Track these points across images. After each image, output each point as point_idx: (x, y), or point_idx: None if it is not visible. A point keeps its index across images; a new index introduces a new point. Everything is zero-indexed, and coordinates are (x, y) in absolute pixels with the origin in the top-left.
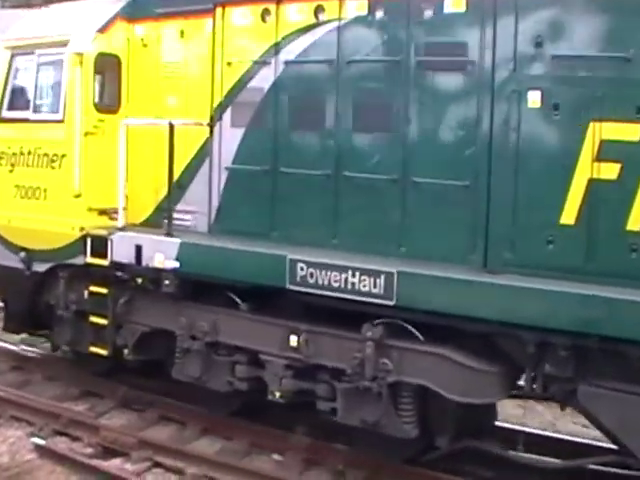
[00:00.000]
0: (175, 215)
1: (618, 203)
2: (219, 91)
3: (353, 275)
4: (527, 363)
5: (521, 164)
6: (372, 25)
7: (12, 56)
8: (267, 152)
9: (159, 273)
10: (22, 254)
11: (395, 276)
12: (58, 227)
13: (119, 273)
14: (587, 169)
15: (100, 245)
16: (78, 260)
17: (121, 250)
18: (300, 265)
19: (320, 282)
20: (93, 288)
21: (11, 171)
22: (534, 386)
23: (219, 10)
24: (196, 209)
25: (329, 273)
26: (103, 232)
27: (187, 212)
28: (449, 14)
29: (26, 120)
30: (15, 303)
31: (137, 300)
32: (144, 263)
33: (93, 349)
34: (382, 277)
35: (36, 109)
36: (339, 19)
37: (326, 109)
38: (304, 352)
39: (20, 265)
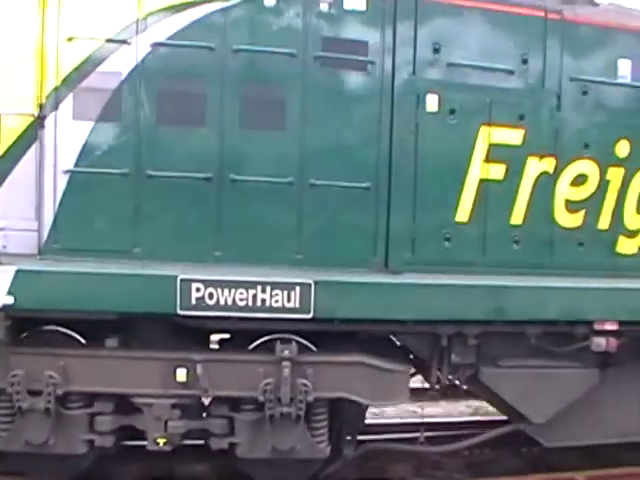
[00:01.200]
0: None
1: (504, 200)
2: (54, 73)
3: (263, 290)
4: (435, 357)
5: (419, 166)
6: (264, 10)
7: None
8: (128, 151)
9: None
10: None
11: (312, 287)
12: None
13: None
14: (478, 170)
15: None
16: None
17: None
18: (196, 285)
19: (222, 302)
20: None
21: None
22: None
23: None
24: (6, 225)
25: (233, 291)
26: None
27: None
28: (349, 10)
29: None
30: None
31: None
32: None
33: None
34: (297, 289)
35: None
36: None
37: (207, 102)
38: (198, 386)
39: None
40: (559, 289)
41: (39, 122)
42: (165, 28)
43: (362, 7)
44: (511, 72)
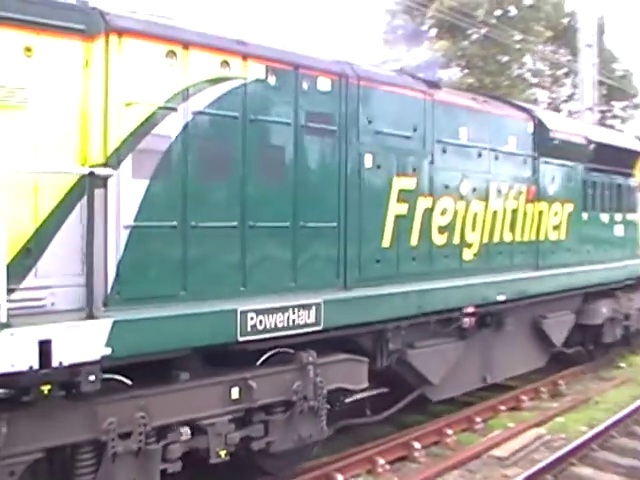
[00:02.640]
0: (19, 295)
1: (406, 229)
2: (115, 135)
3: (293, 312)
4: (377, 348)
5: (362, 209)
6: (269, 88)
7: None
8: (176, 206)
9: (76, 371)
10: None
11: (322, 305)
12: None
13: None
14: (394, 209)
15: None
16: None
17: (13, 355)
18: (250, 315)
19: (268, 326)
20: None
21: None
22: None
23: (114, 38)
24: (56, 282)
25: (274, 315)
26: None
27: (40, 288)
28: (322, 90)
29: None
30: None
31: (23, 423)
32: (55, 362)
33: None
34: (313, 308)
35: None
36: (244, 77)
37: (232, 162)
38: (247, 400)
39: None
40: (458, 287)
41: (103, 181)
42: (203, 98)
43: (328, 88)
44: (408, 137)
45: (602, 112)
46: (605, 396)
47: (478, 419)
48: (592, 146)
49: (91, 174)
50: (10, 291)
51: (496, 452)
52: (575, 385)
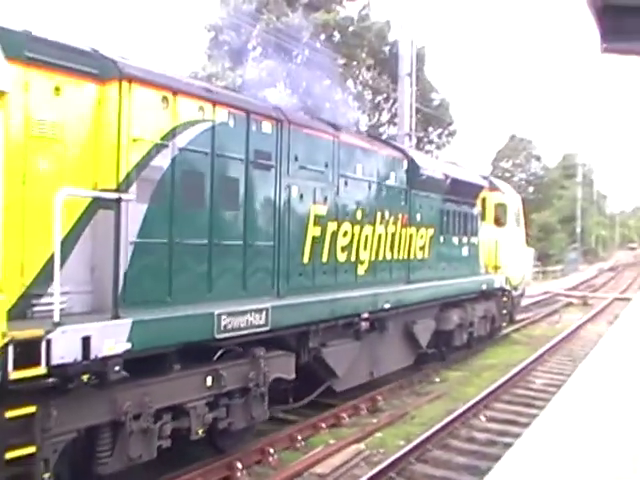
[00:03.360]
0: (46, 300)
1: (320, 248)
2: (125, 165)
3: (250, 315)
4: (300, 346)
5: (290, 230)
6: (229, 129)
7: None
8: (166, 225)
9: (106, 363)
10: None
11: (270, 310)
12: None
13: (51, 380)
14: (311, 231)
15: (28, 352)
16: None
17: (64, 349)
18: (223, 317)
19: (233, 326)
20: (11, 413)
21: None
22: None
23: (125, 84)
24: (72, 289)
25: (237, 317)
26: (37, 332)
27: (62, 294)
28: (265, 132)
29: None
30: None
31: (69, 407)
32: (92, 355)
33: None
34: (263, 312)
35: None
36: (213, 120)
37: (204, 191)
38: (217, 387)
39: None
40: (357, 297)
41: (117, 204)
42: (185, 137)
43: (269, 131)
44: (322, 172)
45: (419, 138)
46: (421, 411)
47: (300, 437)
48: (448, 181)
49: (119, 200)
50: (39, 296)
51: (318, 469)
52: (393, 401)
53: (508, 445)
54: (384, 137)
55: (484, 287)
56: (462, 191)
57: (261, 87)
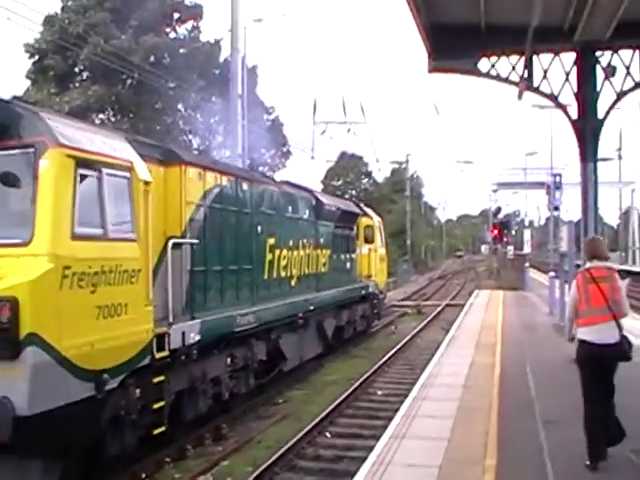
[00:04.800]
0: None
1: (272, 268)
2: (185, 219)
3: (247, 315)
4: (266, 338)
5: (258, 256)
6: (227, 189)
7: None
8: (202, 258)
9: (190, 348)
10: (106, 376)
11: (255, 312)
12: (138, 336)
13: (169, 359)
14: (267, 256)
15: (160, 341)
16: (146, 361)
17: (174, 339)
18: (237, 317)
19: (241, 323)
20: (156, 379)
21: (93, 292)
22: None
23: (183, 166)
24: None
25: (242, 317)
26: (164, 329)
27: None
28: (244, 189)
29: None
30: (78, 445)
31: (174, 377)
32: (187, 343)
33: (156, 431)
34: (253, 314)
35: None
36: (221, 184)
37: (220, 233)
38: (232, 364)
39: (87, 394)
40: (297, 301)
41: (180, 246)
42: (209, 198)
43: (247, 188)
44: (271, 214)
45: (252, 159)
46: (267, 434)
47: (143, 475)
48: (338, 212)
49: (191, 244)
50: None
51: None
52: (237, 427)
53: (354, 459)
54: (217, 159)
55: (363, 292)
56: (346, 218)
57: (89, 113)
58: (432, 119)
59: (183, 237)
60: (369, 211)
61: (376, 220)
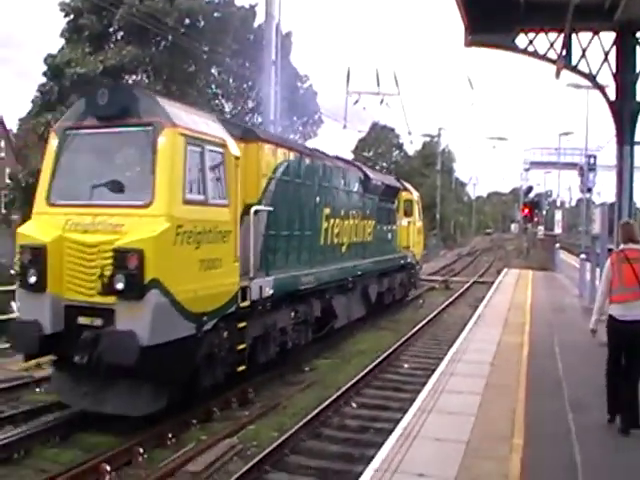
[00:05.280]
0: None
1: (328, 235)
2: (260, 189)
3: (307, 276)
4: (320, 297)
5: (316, 224)
6: (295, 164)
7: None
8: (275, 222)
9: (266, 300)
10: (205, 318)
11: (315, 274)
12: (228, 287)
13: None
14: (324, 224)
15: (243, 293)
16: (233, 308)
17: (254, 292)
18: (302, 277)
19: (304, 282)
20: (240, 324)
21: (197, 248)
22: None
23: (260, 143)
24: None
25: (304, 277)
26: (246, 283)
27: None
28: (307, 164)
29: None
30: (180, 374)
31: (252, 324)
32: (263, 295)
33: (239, 368)
34: (312, 275)
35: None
36: (289, 159)
37: (288, 202)
38: (295, 318)
39: (190, 332)
40: (347, 267)
41: (255, 212)
42: (279, 170)
43: (309, 162)
44: (327, 187)
45: (284, 127)
46: (293, 400)
47: (170, 434)
48: (383, 186)
49: (259, 210)
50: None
51: (190, 467)
52: (264, 392)
53: (379, 430)
54: (249, 124)
55: (402, 262)
56: (389, 192)
57: (123, 73)
58: (466, 93)
59: (259, 205)
60: (409, 186)
61: (415, 195)
